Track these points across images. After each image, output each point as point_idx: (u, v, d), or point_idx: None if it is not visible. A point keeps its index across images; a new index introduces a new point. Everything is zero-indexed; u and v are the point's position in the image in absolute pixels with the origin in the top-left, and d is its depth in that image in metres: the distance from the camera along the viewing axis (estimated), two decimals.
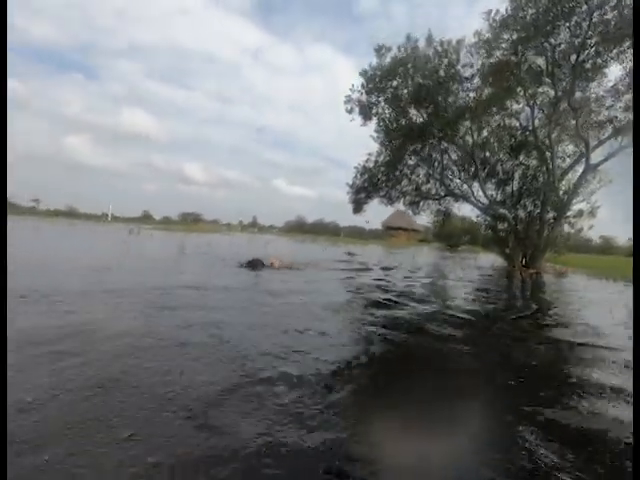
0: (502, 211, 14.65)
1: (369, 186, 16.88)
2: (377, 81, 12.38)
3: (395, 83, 12.49)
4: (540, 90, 12.85)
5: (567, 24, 11.53)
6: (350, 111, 13.05)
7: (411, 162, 16.02)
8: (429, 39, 12.33)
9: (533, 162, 14.37)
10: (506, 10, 12.02)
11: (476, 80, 12.65)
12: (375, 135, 13.96)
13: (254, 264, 7.65)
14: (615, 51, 11.24)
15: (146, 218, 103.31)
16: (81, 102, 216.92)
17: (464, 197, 15.92)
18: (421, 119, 12.91)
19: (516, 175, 14.53)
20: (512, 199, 14.63)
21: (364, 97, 12.85)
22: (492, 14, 12.03)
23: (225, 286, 5.49)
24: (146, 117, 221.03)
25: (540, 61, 11.98)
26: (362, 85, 12.65)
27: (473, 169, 14.98)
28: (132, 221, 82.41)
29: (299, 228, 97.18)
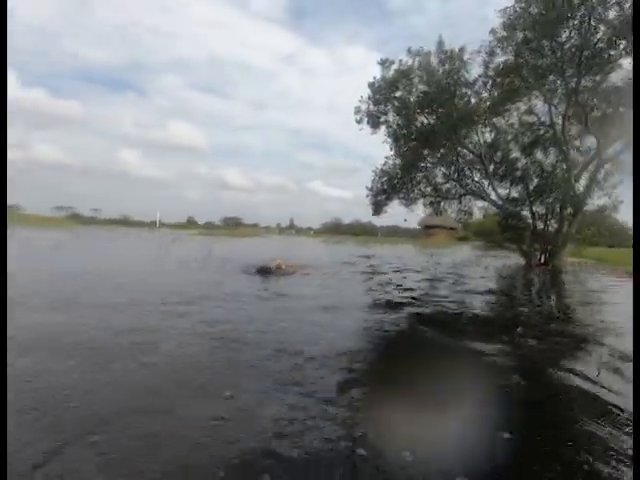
0: (517, 209, 14.85)
1: (388, 188, 17.62)
2: (383, 92, 13.27)
3: (399, 93, 13.32)
4: (550, 87, 13.01)
5: (573, 20, 11.67)
6: (359, 121, 14.05)
7: (428, 164, 16.61)
8: (439, 46, 13.02)
9: (548, 159, 14.47)
10: (514, 9, 12.37)
11: (484, 82, 13.12)
12: (388, 141, 14.80)
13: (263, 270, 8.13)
14: (622, 46, 11.24)
15: (191, 224, 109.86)
16: (132, 118, 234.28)
17: (482, 195, 16.23)
18: (428, 124, 13.59)
19: (531, 172, 14.67)
20: (527, 196, 14.79)
21: (372, 107, 13.78)
22: (506, 12, 12.40)
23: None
24: (189, 127, 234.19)
25: (550, 58, 12.17)
26: (369, 97, 13.62)
27: (489, 168, 15.35)
28: (178, 227, 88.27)
29: (336, 229, 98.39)
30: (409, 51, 12.91)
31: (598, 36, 11.27)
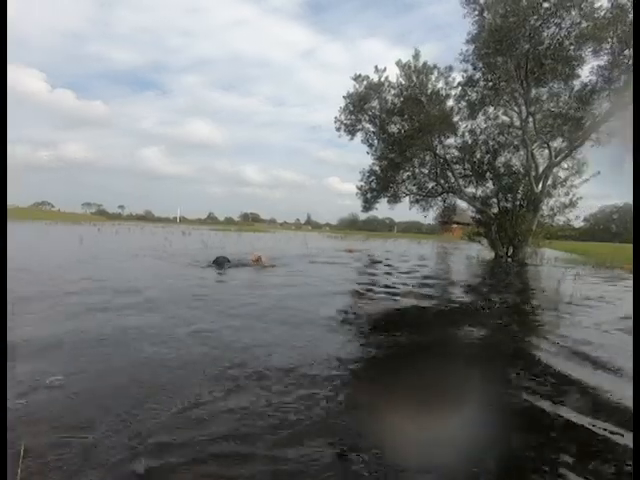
0: (483, 206, 16.31)
1: (376, 187, 19.31)
2: (356, 104, 15.02)
3: (373, 104, 15.04)
4: (509, 96, 14.37)
5: (523, 31, 12.87)
6: (338, 129, 15.85)
7: (405, 166, 18.19)
8: (404, 64, 14.68)
9: (512, 160, 15.86)
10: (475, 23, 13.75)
11: (446, 94, 14.68)
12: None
13: (219, 262, 7.65)
14: (575, 53, 12.37)
15: (211, 219, 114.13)
16: (154, 116, 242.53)
17: (459, 194, 17.69)
18: (398, 131, 15.25)
19: (497, 172, 16.07)
20: (494, 195, 16.23)
21: (347, 118, 15.55)
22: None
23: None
24: (209, 125, 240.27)
25: (501, 71, 13.54)
26: (345, 107, 15.38)
27: (459, 169, 16.85)
28: (198, 223, 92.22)
29: (352, 225, 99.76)
30: (376, 69, 14.64)
31: (545, 46, 12.46)
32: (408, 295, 5.62)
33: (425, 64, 14.28)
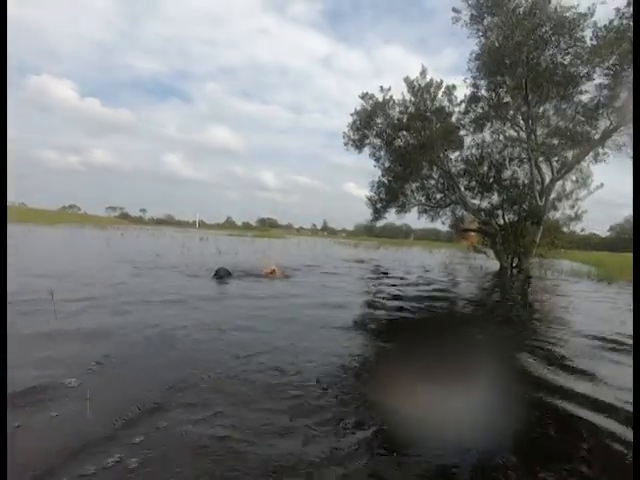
0: (488, 217, 16.74)
1: (385, 197, 19.95)
2: (363, 121, 15.84)
3: (379, 120, 15.80)
4: (510, 114, 14.86)
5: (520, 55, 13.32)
6: (346, 144, 16.66)
7: (419, 176, 18.78)
8: (410, 82, 15.41)
9: (517, 174, 16.28)
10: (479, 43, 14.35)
11: (449, 112, 15.32)
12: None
13: (220, 275, 7.61)
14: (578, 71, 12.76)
15: (229, 224, 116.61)
16: (177, 123, 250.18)
17: (463, 205, 18.17)
18: (404, 146, 15.93)
19: (503, 185, 16.50)
20: (500, 207, 16.67)
21: (354, 134, 16.36)
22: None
23: None
24: (229, 131, 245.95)
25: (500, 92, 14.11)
26: (352, 123, 16.20)
27: (465, 181, 17.36)
28: (217, 227, 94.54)
29: (369, 231, 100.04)
30: (381, 89, 15.43)
31: (543, 67, 12.92)
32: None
33: (432, 80, 15.02)
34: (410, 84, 15.36)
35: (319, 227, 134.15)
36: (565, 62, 12.20)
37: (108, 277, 7.07)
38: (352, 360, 3.27)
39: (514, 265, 16.79)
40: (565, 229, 16.13)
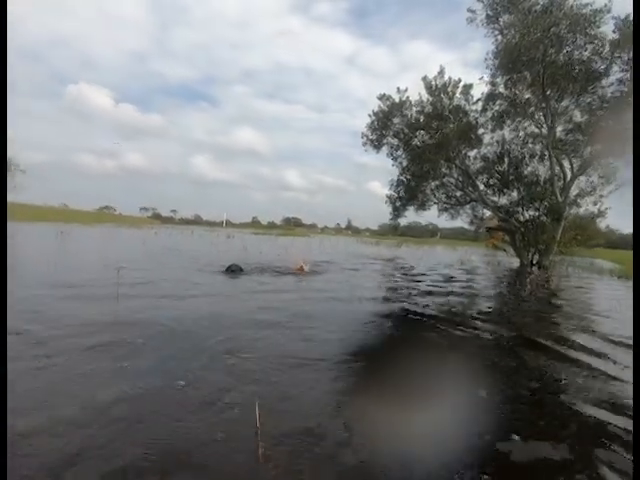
0: (507, 215, 16.76)
1: (404, 196, 20.29)
2: (381, 121, 16.29)
3: (396, 121, 16.22)
4: (530, 111, 14.88)
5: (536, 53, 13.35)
6: (365, 144, 17.17)
7: (437, 175, 19.00)
8: (427, 81, 15.74)
9: (537, 170, 16.25)
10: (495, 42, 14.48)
11: (464, 111, 15.51)
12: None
13: (233, 270, 7.96)
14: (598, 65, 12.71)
15: (255, 224, 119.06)
16: (204, 126, 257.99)
17: (482, 202, 18.23)
18: (421, 144, 16.26)
19: (522, 182, 16.49)
20: (516, 204, 16.66)
21: (372, 134, 16.84)
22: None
23: None
24: (254, 133, 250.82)
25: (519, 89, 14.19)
26: (370, 124, 16.68)
27: (483, 179, 17.46)
28: (243, 227, 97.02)
29: (394, 230, 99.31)
30: (398, 90, 15.83)
31: (560, 64, 12.92)
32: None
33: (449, 79, 15.32)
34: (428, 84, 15.68)
35: (343, 226, 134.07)
36: (583, 58, 12.18)
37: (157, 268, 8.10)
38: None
39: (534, 262, 16.74)
40: (588, 226, 15.89)
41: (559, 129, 14.80)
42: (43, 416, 1.92)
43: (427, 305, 5.82)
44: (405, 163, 17.71)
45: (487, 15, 13.47)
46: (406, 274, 10.76)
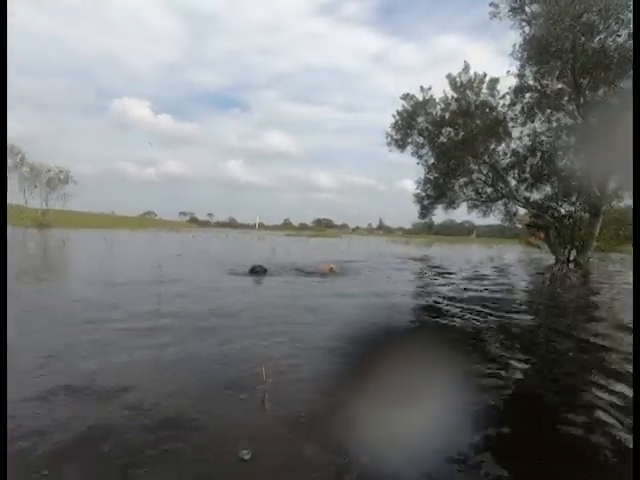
0: (541, 210, 16.21)
1: (432, 194, 20.11)
2: (405, 120, 16.30)
3: (420, 119, 16.16)
4: (562, 102, 14.33)
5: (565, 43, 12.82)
6: (389, 144, 17.22)
7: (466, 171, 18.68)
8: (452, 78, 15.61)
9: (567, 164, 15.53)
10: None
11: (490, 107, 15.20)
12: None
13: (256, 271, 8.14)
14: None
15: (286, 225, 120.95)
16: (236, 131, 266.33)
17: (512, 198, 17.72)
18: (446, 141, 16.10)
19: (553, 176, 15.86)
20: (552, 199, 16.07)
21: (397, 134, 16.84)
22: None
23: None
24: (284, 136, 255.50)
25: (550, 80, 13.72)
26: (395, 124, 16.70)
27: (514, 174, 17.01)
28: (275, 229, 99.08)
29: (428, 229, 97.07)
30: (422, 89, 15.80)
31: (591, 53, 12.36)
32: None
33: (475, 75, 15.11)
34: (452, 80, 15.55)
35: (375, 226, 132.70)
36: (617, 44, 11.61)
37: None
38: None
39: (570, 259, 16.03)
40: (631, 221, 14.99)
41: (594, 119, 14.09)
42: None
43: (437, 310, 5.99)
44: (431, 161, 17.58)
45: (511, 7, 13.17)
46: (425, 273, 10.85)
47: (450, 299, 6.25)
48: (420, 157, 17.20)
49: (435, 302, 6.07)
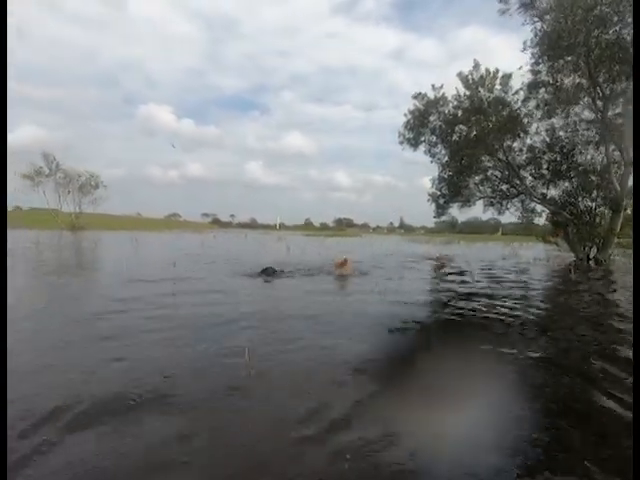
0: (558, 207, 15.89)
1: (447, 193, 20.04)
2: (417, 120, 16.35)
3: (432, 118, 16.19)
4: (578, 97, 14.02)
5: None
6: (401, 143, 17.31)
7: (481, 168, 18.51)
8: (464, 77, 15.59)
9: (586, 159, 15.19)
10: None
11: (503, 103, 15.06)
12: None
13: (268, 272, 8.15)
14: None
15: (306, 225, 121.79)
16: (256, 133, 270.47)
17: (528, 195, 17.43)
18: (459, 139, 16.04)
19: (571, 172, 15.52)
20: (568, 195, 15.74)
21: (409, 133, 16.91)
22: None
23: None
24: (302, 136, 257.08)
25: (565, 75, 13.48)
26: (407, 123, 16.78)
27: (531, 170, 16.77)
28: (295, 229, 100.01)
29: (451, 227, 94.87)
30: (433, 87, 15.84)
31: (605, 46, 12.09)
32: None
33: (487, 71, 15.04)
34: (464, 78, 15.52)
35: (396, 225, 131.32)
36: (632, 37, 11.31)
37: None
38: None
39: (590, 257, 15.63)
40: None
41: (613, 112, 13.75)
42: None
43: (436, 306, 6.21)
44: (445, 159, 17.55)
45: (521, 3, 13.04)
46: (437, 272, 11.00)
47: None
48: (433, 156, 17.24)
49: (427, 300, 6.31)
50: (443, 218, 22.40)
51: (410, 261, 14.29)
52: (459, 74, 15.79)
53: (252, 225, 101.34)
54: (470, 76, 15.33)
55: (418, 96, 16.14)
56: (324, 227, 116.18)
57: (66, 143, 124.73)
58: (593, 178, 15.08)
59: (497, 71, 15.56)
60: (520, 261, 16.04)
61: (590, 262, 15.25)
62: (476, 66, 15.61)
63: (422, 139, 17.11)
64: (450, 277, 9.54)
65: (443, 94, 15.69)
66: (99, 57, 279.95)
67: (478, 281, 8.48)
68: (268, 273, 8.13)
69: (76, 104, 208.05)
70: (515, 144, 16.66)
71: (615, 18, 11.40)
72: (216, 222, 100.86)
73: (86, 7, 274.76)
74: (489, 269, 11.83)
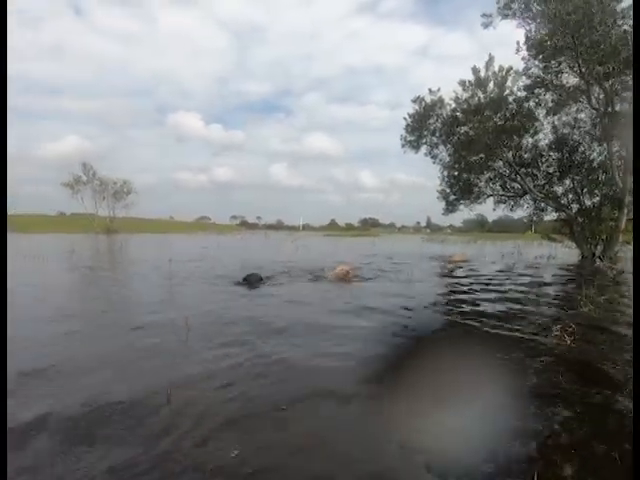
0: (561, 205, 15.94)
1: (456, 191, 20.30)
2: (418, 123, 16.82)
3: (431, 120, 16.61)
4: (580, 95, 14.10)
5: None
6: (403, 146, 17.81)
7: (489, 166, 18.69)
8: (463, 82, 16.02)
9: (587, 157, 15.17)
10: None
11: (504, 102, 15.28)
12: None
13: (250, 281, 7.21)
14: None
15: (331, 226, 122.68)
16: (280, 136, 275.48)
17: (531, 193, 17.45)
18: (459, 140, 16.38)
19: (573, 170, 15.53)
20: (570, 192, 15.77)
21: (410, 135, 17.38)
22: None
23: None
24: (327, 138, 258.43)
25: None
26: (407, 127, 17.27)
27: (533, 169, 16.87)
28: (321, 229, 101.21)
29: (480, 226, 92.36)
30: (430, 91, 16.28)
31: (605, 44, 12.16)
32: None
33: (494, 72, 15.43)
34: (462, 82, 15.92)
35: (423, 224, 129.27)
36: (620, 32, 11.43)
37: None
38: None
39: (595, 254, 15.50)
40: None
41: (613, 109, 13.67)
42: None
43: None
44: (448, 159, 17.90)
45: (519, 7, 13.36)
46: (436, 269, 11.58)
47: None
48: (434, 157, 17.69)
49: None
50: (471, 215, 22.80)
51: (404, 262, 14.46)
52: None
53: (278, 226, 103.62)
54: (478, 74, 15.68)
55: (417, 100, 16.56)
56: (349, 227, 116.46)
57: (102, 152, 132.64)
58: (593, 176, 15.11)
59: (502, 68, 15.72)
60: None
61: (596, 259, 15.16)
62: (488, 62, 15.89)
63: (423, 141, 17.55)
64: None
65: (439, 97, 16.12)
66: (132, 69, 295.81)
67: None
68: (251, 281, 7.21)
69: (111, 114, 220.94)
70: (518, 142, 16.80)
71: (598, 17, 11.54)
72: (244, 224, 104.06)
73: (119, 23, 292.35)
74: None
